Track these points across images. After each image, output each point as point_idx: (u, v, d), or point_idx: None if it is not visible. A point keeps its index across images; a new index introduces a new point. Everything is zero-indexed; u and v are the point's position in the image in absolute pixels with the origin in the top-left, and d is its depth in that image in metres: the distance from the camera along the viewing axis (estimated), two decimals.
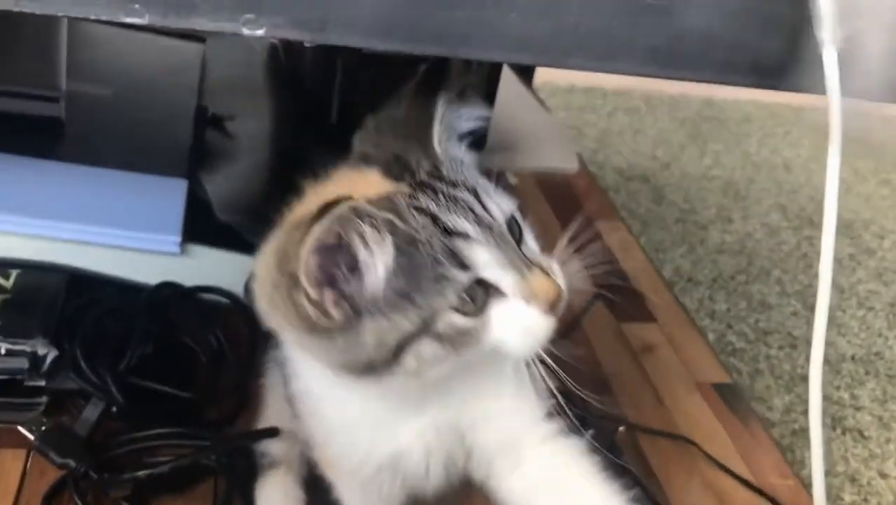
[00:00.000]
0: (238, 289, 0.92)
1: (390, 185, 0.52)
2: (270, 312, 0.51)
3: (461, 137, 0.57)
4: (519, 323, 0.50)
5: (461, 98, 0.55)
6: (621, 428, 0.80)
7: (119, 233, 0.88)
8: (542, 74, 2.19)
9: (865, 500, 1.24)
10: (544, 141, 1.35)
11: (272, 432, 0.77)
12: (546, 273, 0.51)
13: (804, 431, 1.36)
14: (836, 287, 1.73)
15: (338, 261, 0.48)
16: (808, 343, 1.69)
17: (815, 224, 1.96)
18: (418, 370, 0.50)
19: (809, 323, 1.62)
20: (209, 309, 0.92)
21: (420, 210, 0.49)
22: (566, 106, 2.33)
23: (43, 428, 0.78)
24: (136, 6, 0.34)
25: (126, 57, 1.16)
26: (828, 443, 1.34)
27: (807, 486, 1.05)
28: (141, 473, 0.73)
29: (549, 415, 0.60)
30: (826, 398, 1.43)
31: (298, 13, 0.36)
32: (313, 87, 1.20)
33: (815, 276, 1.97)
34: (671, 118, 2.36)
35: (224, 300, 0.93)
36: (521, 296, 0.50)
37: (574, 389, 0.85)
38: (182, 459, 0.76)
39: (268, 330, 0.70)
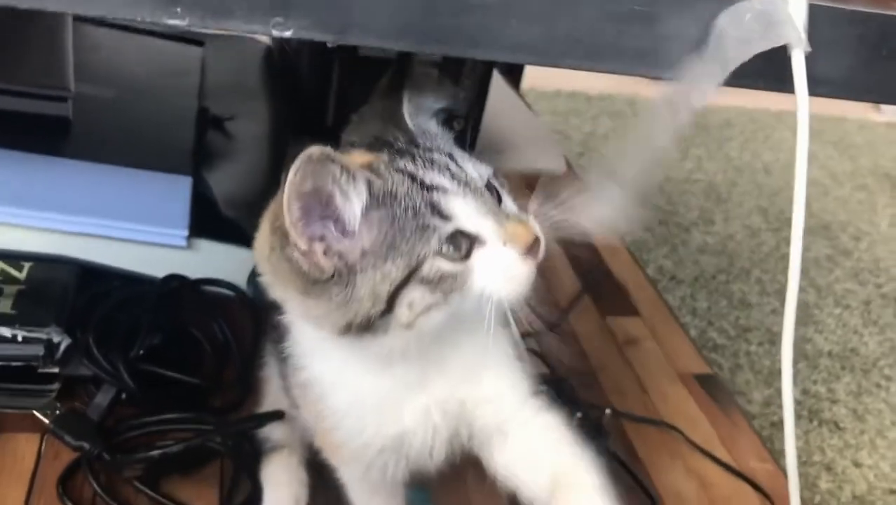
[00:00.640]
0: (242, 282, 0.96)
1: (372, 156, 0.56)
2: (271, 277, 0.55)
3: (436, 114, 0.62)
4: (499, 266, 0.54)
5: (428, 83, 0.60)
6: (608, 411, 0.85)
7: (127, 227, 0.92)
8: (529, 80, 2.24)
9: (840, 487, 1.30)
10: (532, 143, 1.39)
11: (277, 415, 0.80)
12: (523, 223, 0.55)
13: (783, 423, 1.41)
14: (814, 286, 1.79)
15: (319, 208, 0.51)
16: None
17: None
18: (412, 321, 0.53)
19: None
20: (214, 301, 0.96)
21: (399, 170, 0.54)
22: (552, 110, 2.38)
23: (57, 412, 0.82)
24: (178, 10, 0.38)
25: (130, 60, 1.20)
26: (805, 434, 1.39)
27: (784, 471, 1.10)
28: (154, 453, 0.77)
29: (537, 392, 0.64)
30: (804, 392, 1.48)
31: (323, 16, 0.40)
32: (309, 91, 1.24)
33: None
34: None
35: (228, 292, 0.97)
36: (499, 241, 0.54)
37: (562, 376, 0.90)
38: (191, 440, 0.79)
39: (270, 321, 0.75)
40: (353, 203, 0.52)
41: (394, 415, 0.62)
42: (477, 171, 0.57)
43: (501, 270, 0.54)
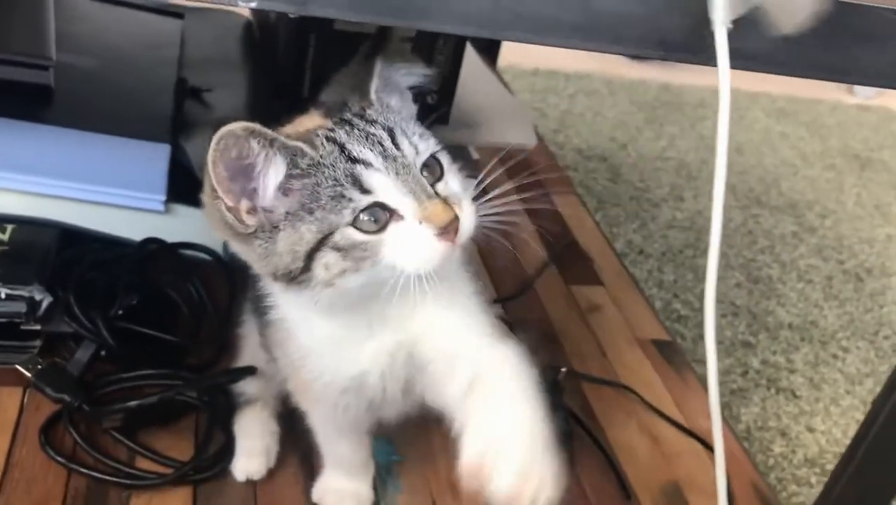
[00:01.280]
0: (217, 245, 1.00)
1: (322, 122, 0.61)
2: (210, 223, 0.60)
3: (409, 89, 0.66)
4: (411, 242, 0.57)
5: (401, 59, 0.64)
6: (563, 369, 0.89)
7: (107, 191, 0.95)
8: (507, 58, 2.28)
9: (793, 451, 1.36)
10: (504, 118, 1.43)
11: (250, 371, 0.85)
12: (446, 203, 0.58)
13: (741, 391, 1.47)
14: (779, 262, 1.85)
15: (241, 171, 0.56)
16: (750, 312, 1.81)
17: (763, 203, 2.07)
18: (329, 280, 0.58)
19: (751, 293, 1.75)
20: (190, 264, 1.00)
21: (331, 140, 0.58)
22: (530, 88, 2.42)
23: (39, 367, 0.86)
24: None
25: (111, 31, 1.23)
26: (762, 402, 1.45)
27: (733, 430, 1.16)
28: (131, 404, 0.81)
29: (490, 326, 0.66)
30: (763, 362, 1.54)
31: None
32: (287, 63, 1.27)
33: (760, 250, 2.10)
34: (630, 102, 2.46)
35: (204, 256, 1.00)
36: (416, 219, 0.57)
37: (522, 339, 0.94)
38: (167, 392, 0.83)
39: (247, 281, 0.79)
40: (270, 174, 0.57)
41: (351, 356, 0.66)
42: (416, 147, 0.60)
43: (413, 246, 0.58)
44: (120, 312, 0.90)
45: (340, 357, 0.66)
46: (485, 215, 0.62)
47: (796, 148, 2.43)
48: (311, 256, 0.58)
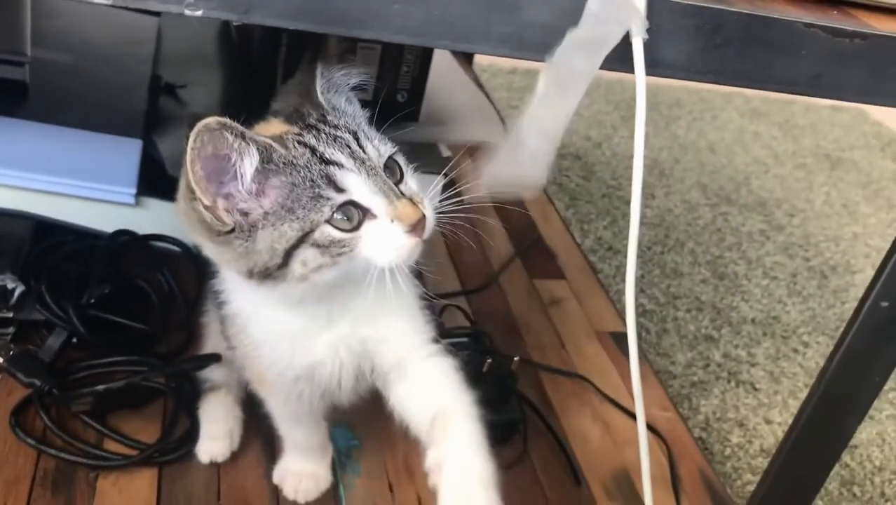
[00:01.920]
0: (187, 238, 1.03)
1: (286, 128, 0.64)
2: (187, 224, 0.63)
3: (352, 90, 0.69)
4: (384, 238, 0.62)
5: (341, 62, 0.68)
6: (516, 358, 0.93)
7: (80, 184, 0.99)
8: (486, 57, 2.31)
9: (750, 441, 1.40)
10: (473, 115, 1.47)
11: (214, 358, 0.88)
12: (413, 203, 0.63)
13: (702, 383, 1.51)
14: (745, 259, 1.89)
15: (220, 171, 0.59)
16: (714, 307, 1.85)
17: (732, 201, 2.12)
18: (304, 275, 0.62)
19: (717, 289, 1.79)
20: (161, 255, 1.04)
21: (302, 143, 0.62)
22: (507, 86, 2.46)
23: (11, 353, 0.89)
24: None
25: (86, 27, 1.26)
26: (722, 394, 1.50)
27: (685, 420, 1.20)
28: (99, 388, 0.85)
29: (433, 338, 0.72)
30: (725, 356, 1.59)
31: None
32: (259, 61, 1.31)
33: (727, 247, 2.14)
34: (606, 101, 2.50)
35: (174, 248, 1.04)
36: (387, 217, 0.62)
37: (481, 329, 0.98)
38: (134, 377, 0.87)
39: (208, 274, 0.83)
40: (245, 164, 0.60)
41: (305, 347, 0.70)
42: (377, 149, 0.64)
43: (386, 243, 0.62)
44: (91, 300, 0.93)
45: (295, 348, 0.70)
46: (450, 212, 0.66)
47: (768, 147, 2.48)
48: (289, 254, 0.61)
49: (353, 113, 0.68)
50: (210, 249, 0.65)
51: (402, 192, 0.63)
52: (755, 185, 2.23)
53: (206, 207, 0.61)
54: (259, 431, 0.90)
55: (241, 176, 0.60)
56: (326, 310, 0.68)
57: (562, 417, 1.03)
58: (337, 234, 0.61)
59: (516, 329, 1.16)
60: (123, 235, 1.01)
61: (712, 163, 2.29)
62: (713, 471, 1.03)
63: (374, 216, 0.62)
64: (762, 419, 1.46)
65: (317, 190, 0.60)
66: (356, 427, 0.93)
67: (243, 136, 0.59)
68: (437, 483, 0.64)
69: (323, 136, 0.63)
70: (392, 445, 0.93)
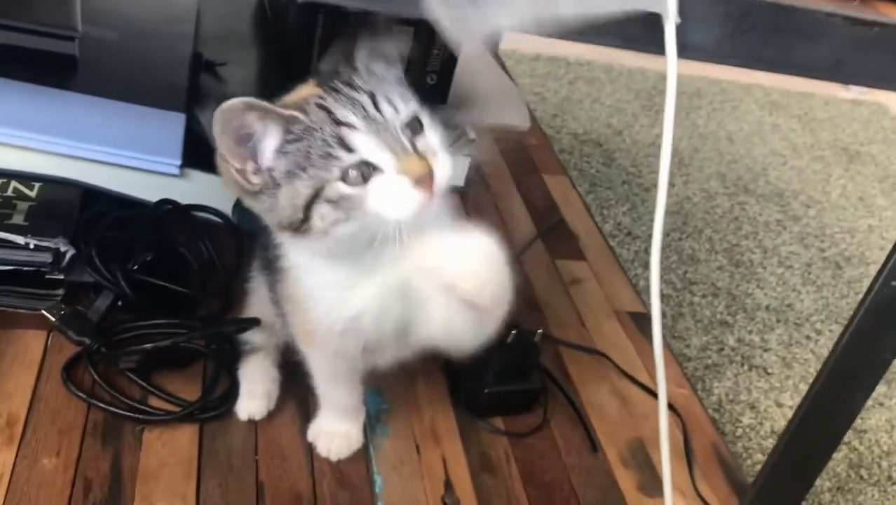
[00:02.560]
0: (227, 208, 1.08)
1: (315, 90, 0.69)
2: (225, 184, 0.69)
3: (398, 60, 0.74)
4: (391, 192, 0.66)
5: (388, 34, 0.72)
6: (539, 331, 0.98)
7: (127, 154, 1.03)
8: (511, 43, 2.35)
9: (760, 423, 1.44)
10: (500, 99, 1.51)
11: (254, 322, 0.93)
12: (423, 157, 0.66)
13: (716, 366, 1.55)
14: (761, 248, 1.93)
15: (244, 140, 0.65)
16: (729, 293, 1.90)
17: (750, 191, 2.15)
18: (325, 229, 0.67)
19: (733, 276, 1.83)
20: (202, 224, 1.08)
21: (321, 106, 0.67)
22: (531, 73, 2.49)
23: (62, 313, 0.94)
24: None
25: (130, 7, 1.31)
26: (735, 377, 1.54)
27: (701, 399, 1.24)
28: (146, 346, 0.89)
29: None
30: (739, 340, 1.62)
31: None
32: (295, 40, 1.35)
33: (744, 236, 2.18)
34: (628, 89, 2.53)
35: (215, 218, 1.09)
36: (394, 171, 0.66)
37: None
38: (179, 338, 0.92)
39: (259, 240, 0.88)
40: (267, 141, 0.66)
41: (348, 298, 0.75)
42: (395, 109, 0.68)
43: (392, 195, 0.66)
44: (136, 266, 0.98)
45: (339, 299, 0.75)
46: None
47: (787, 139, 2.50)
48: (308, 208, 0.67)
49: (383, 75, 0.72)
50: (248, 202, 0.71)
51: (415, 149, 0.67)
52: (773, 176, 2.26)
53: (236, 170, 0.67)
54: (294, 394, 0.94)
55: (264, 149, 0.67)
56: (360, 264, 0.72)
57: (581, 391, 1.07)
58: (346, 190, 0.66)
59: (538, 306, 1.20)
60: (167, 205, 1.06)
61: (731, 153, 2.32)
62: (726, 445, 1.07)
63: (381, 171, 0.66)
64: (773, 402, 1.50)
65: (328, 150, 0.65)
66: (385, 393, 0.98)
67: (267, 115, 0.65)
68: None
69: (342, 98, 0.67)
70: (419, 410, 0.97)
